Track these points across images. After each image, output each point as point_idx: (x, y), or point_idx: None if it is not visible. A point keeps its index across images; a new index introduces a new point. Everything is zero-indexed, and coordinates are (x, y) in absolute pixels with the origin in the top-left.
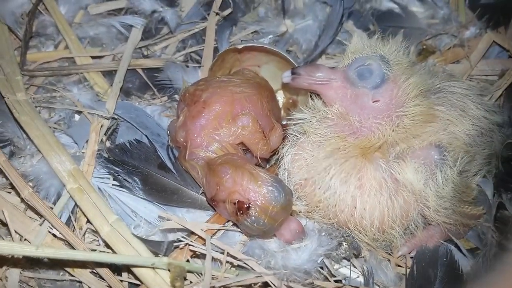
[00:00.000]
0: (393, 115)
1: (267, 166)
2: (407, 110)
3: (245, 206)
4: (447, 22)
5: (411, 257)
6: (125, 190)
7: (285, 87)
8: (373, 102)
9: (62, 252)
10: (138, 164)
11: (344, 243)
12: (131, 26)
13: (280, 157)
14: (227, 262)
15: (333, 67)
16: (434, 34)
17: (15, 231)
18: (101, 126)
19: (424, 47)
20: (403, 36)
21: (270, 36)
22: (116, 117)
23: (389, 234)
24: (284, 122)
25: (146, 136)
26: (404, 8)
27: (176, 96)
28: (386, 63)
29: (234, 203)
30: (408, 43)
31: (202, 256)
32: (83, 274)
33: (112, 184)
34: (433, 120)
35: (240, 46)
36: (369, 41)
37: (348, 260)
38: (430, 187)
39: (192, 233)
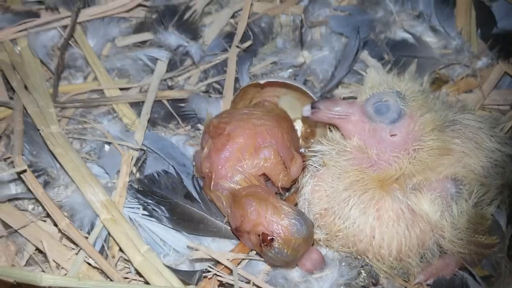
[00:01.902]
0: (410, 149)
1: (287, 194)
2: (424, 144)
3: (269, 238)
4: (460, 52)
5: (428, 285)
6: (154, 220)
7: (304, 118)
8: (391, 136)
9: (101, 284)
10: (165, 194)
11: (363, 272)
12: (157, 58)
13: (300, 186)
14: None
15: (352, 101)
16: (447, 64)
17: (53, 260)
18: (132, 158)
19: (438, 76)
20: (417, 66)
21: (290, 70)
22: (144, 148)
23: (406, 262)
24: (302, 150)
25: (172, 166)
26: (418, 39)
27: (199, 125)
28: (403, 99)
29: (258, 235)
30: (421, 72)
31: (228, 285)
32: None
33: (142, 214)
34: (449, 153)
35: (262, 82)
36: (386, 76)
37: None
38: (446, 219)
39: (219, 262)
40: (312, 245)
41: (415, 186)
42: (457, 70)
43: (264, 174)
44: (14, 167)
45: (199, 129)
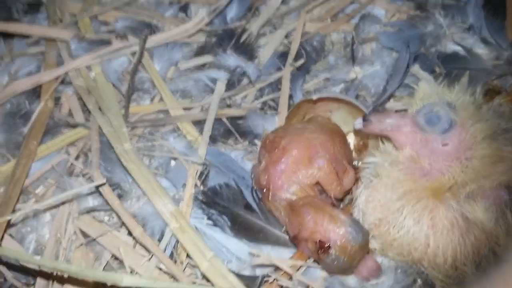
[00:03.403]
0: (462, 158)
1: (341, 206)
2: (476, 153)
3: (326, 245)
4: None
5: None
6: (218, 229)
7: (356, 131)
8: (443, 146)
9: (175, 285)
10: (227, 205)
11: (419, 280)
12: (216, 79)
13: (354, 198)
14: None
15: (403, 113)
16: (499, 74)
17: (129, 266)
18: (196, 172)
19: (490, 87)
20: (469, 78)
21: (342, 84)
22: (207, 162)
23: (462, 271)
24: (355, 163)
25: (233, 179)
26: (469, 51)
27: (255, 140)
28: (453, 109)
29: (316, 242)
30: (474, 84)
31: None
32: None
33: (206, 224)
34: (502, 160)
35: (315, 97)
36: (436, 87)
37: None
38: (501, 226)
39: (279, 268)
40: (368, 253)
41: (468, 195)
42: (510, 81)
43: (318, 184)
44: (92, 181)
45: (256, 145)
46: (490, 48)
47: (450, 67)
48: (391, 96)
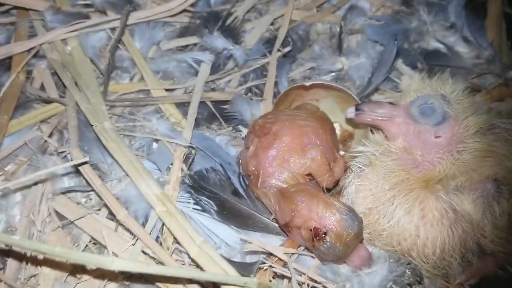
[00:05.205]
0: (453, 150)
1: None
2: (467, 146)
3: (321, 232)
4: (492, 62)
5: (469, 285)
6: (206, 214)
7: (347, 121)
8: (435, 138)
9: (169, 270)
10: (214, 190)
11: (407, 270)
12: (201, 61)
13: (343, 187)
14: (303, 283)
15: (394, 104)
16: (479, 73)
17: (112, 251)
18: (184, 154)
19: (470, 85)
20: (450, 75)
21: (328, 74)
22: (194, 146)
23: (448, 262)
24: (341, 153)
25: (220, 164)
26: (450, 48)
27: (240, 126)
28: (447, 102)
29: (310, 230)
30: (454, 82)
31: (279, 277)
32: None
33: (193, 208)
34: (490, 155)
35: (307, 84)
36: (430, 80)
37: (411, 287)
38: (487, 218)
39: (271, 255)
40: (360, 242)
41: (457, 187)
42: (489, 80)
43: (309, 174)
44: (67, 160)
45: (240, 131)
46: (470, 46)
47: (431, 64)
48: (376, 88)
